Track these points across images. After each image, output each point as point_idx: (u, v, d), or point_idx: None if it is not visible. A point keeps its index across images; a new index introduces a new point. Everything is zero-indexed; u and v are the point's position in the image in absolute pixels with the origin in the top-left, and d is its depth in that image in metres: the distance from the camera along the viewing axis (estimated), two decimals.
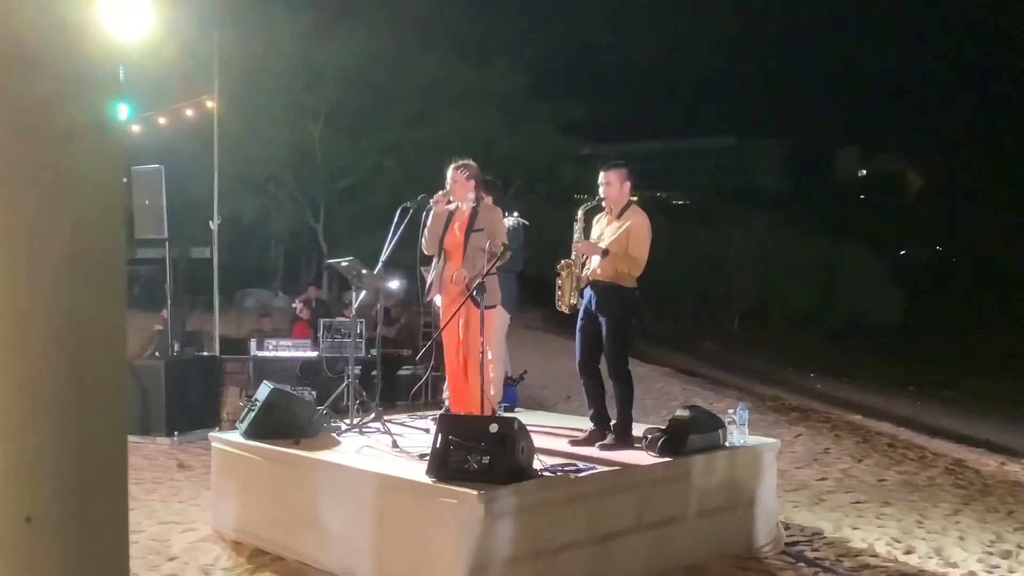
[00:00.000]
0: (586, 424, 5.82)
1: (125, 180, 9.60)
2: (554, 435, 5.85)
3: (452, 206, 6.12)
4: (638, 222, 5.60)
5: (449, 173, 6.11)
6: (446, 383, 6.45)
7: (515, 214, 7.13)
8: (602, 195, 5.70)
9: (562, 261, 5.79)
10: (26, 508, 1.72)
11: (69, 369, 1.75)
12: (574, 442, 5.57)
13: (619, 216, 5.67)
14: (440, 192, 6.17)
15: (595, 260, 5.65)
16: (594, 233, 5.80)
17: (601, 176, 5.71)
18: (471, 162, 6.15)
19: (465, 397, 5.96)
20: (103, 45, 1.81)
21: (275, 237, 34.89)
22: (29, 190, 1.71)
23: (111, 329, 1.85)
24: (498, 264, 5.70)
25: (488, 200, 6.29)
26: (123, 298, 1.92)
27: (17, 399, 1.71)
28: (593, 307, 5.63)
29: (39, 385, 1.72)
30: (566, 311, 5.79)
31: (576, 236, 5.76)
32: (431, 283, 6.15)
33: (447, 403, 6.35)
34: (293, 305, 14.29)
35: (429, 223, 6.13)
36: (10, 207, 1.69)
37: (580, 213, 5.76)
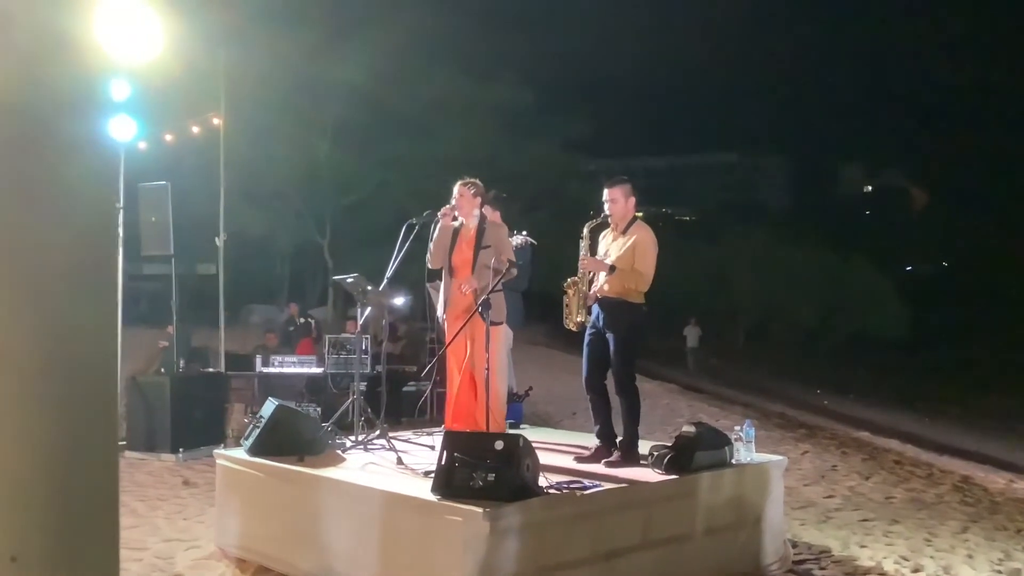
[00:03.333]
0: (592, 441, 5.79)
1: (131, 196, 9.63)
2: (560, 452, 5.83)
3: (457, 222, 6.15)
4: (644, 237, 5.59)
5: (456, 189, 6.15)
6: None
7: (523, 233, 7.15)
8: (607, 212, 5.70)
9: (568, 279, 5.78)
10: (12, 546, 1.61)
11: (57, 395, 1.66)
12: (580, 459, 5.55)
13: (624, 232, 5.67)
14: (447, 206, 6.21)
15: (601, 276, 5.64)
16: (600, 249, 5.80)
17: (605, 193, 5.71)
18: (477, 181, 6.20)
19: (468, 414, 5.95)
20: (99, 64, 1.80)
21: (281, 253, 34.94)
22: (26, 205, 1.69)
23: (103, 350, 1.79)
24: (503, 280, 5.71)
25: (496, 216, 6.31)
26: (116, 316, 1.87)
27: (2, 429, 1.63)
28: (600, 323, 5.62)
29: (26, 414, 1.63)
30: (574, 329, 5.78)
31: (582, 253, 5.75)
32: (444, 301, 6.16)
33: None
34: (310, 319, 14.36)
35: (436, 236, 6.16)
36: (6, 222, 1.67)
37: (585, 230, 5.76)
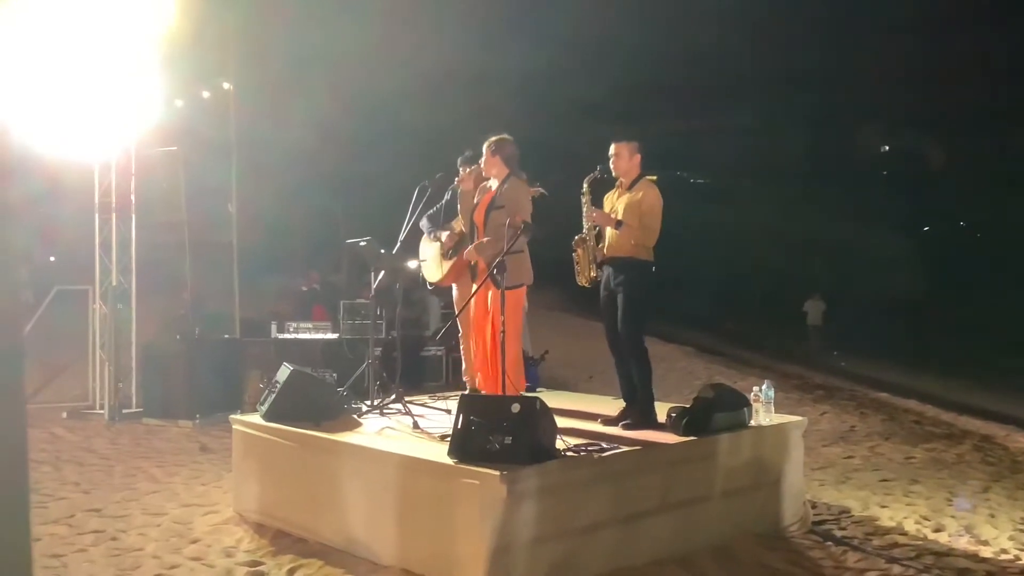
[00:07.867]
0: (608, 404, 5.76)
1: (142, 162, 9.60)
2: (577, 415, 5.79)
3: (488, 182, 6.05)
4: (650, 194, 5.54)
5: (483, 149, 6.01)
6: (464, 365, 6.41)
7: (536, 184, 7.03)
8: (611, 166, 5.62)
9: (576, 237, 5.71)
10: None
11: None
12: (606, 420, 5.49)
13: (630, 189, 5.60)
14: (467, 170, 6.12)
15: (609, 233, 5.57)
16: (605, 208, 5.73)
17: (612, 147, 5.63)
18: (506, 136, 5.99)
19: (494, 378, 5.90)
20: None
21: (295, 220, 34.96)
22: None
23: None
24: (517, 240, 5.61)
25: (524, 177, 6.13)
26: (11, 269, 1.74)
27: None
28: (612, 284, 5.56)
29: None
30: (587, 285, 5.72)
31: (584, 210, 5.66)
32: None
33: (469, 384, 6.30)
34: (304, 288, 14.35)
35: (459, 205, 6.13)
36: None
37: (585, 185, 5.64)
